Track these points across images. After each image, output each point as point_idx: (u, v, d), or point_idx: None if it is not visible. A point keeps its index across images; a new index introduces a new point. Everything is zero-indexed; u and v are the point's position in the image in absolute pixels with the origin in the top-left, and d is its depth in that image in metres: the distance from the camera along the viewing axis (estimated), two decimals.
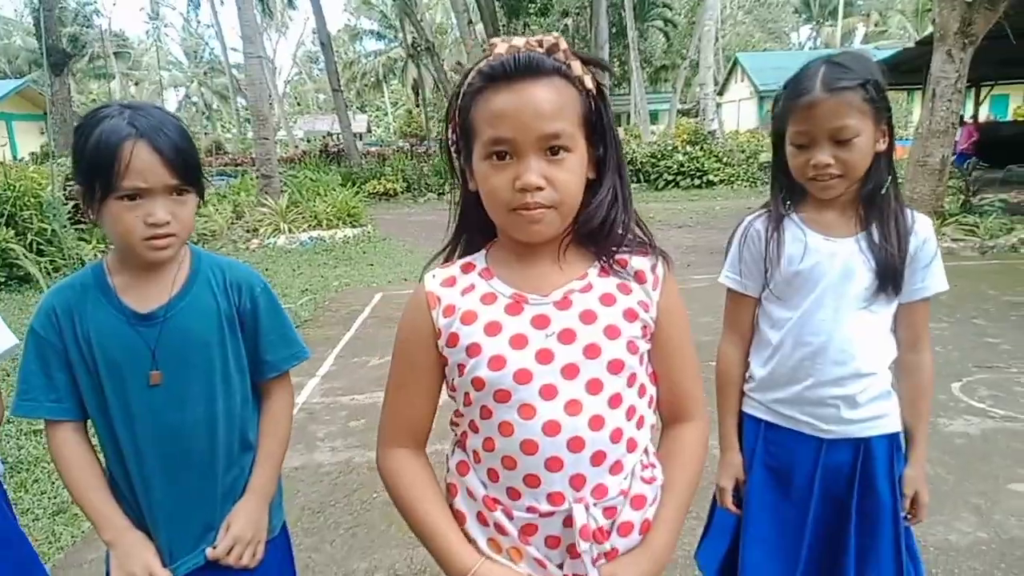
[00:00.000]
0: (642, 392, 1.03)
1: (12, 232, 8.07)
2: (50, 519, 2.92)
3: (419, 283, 1.06)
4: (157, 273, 1.29)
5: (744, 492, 1.54)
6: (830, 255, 1.41)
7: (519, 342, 0.97)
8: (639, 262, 1.04)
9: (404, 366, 1.07)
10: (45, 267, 8.15)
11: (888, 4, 46.01)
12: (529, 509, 0.98)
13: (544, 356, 0.97)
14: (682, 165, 17.61)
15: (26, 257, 7.95)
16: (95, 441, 1.32)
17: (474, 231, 1.09)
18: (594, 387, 0.97)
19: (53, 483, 3.25)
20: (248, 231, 10.94)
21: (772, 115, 1.46)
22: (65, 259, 8.60)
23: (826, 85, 1.31)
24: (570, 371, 0.96)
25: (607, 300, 1.00)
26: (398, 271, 8.36)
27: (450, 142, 1.03)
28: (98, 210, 1.18)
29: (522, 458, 0.97)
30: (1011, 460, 3.10)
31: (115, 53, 41.43)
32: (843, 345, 1.41)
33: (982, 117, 18.90)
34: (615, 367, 0.98)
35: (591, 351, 0.97)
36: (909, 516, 1.48)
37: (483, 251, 1.08)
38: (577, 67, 0.96)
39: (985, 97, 17.85)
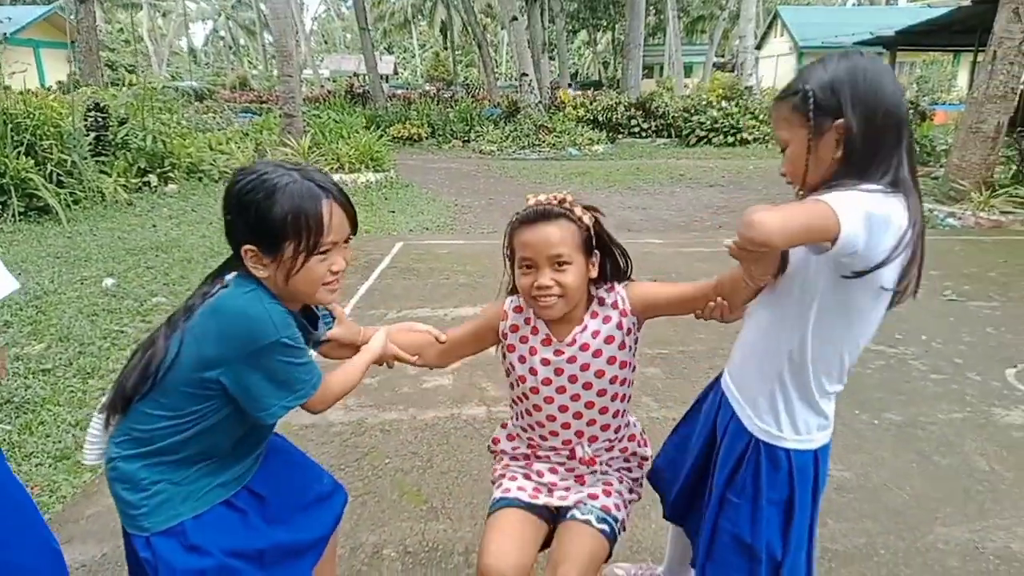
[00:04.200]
0: (621, 383, 1.62)
1: (32, 162, 7.89)
2: (52, 466, 2.81)
3: (503, 301, 1.67)
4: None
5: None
6: None
7: (545, 362, 1.60)
8: (610, 296, 1.59)
9: (476, 324, 1.70)
10: (65, 199, 8.01)
11: None
12: (551, 447, 1.67)
13: (558, 371, 1.60)
14: (716, 121, 16.97)
15: (45, 188, 7.80)
16: None
17: None
18: (587, 386, 1.60)
19: (58, 426, 3.13)
20: None
21: None
22: (85, 191, 8.45)
23: None
24: (572, 379, 1.59)
25: (595, 334, 1.58)
26: (420, 219, 8.12)
27: (505, 255, 1.59)
28: (287, 266, 1.29)
29: (547, 422, 1.64)
30: None
31: None
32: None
33: None
34: (599, 374, 1.59)
35: (584, 367, 1.58)
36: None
37: None
38: (578, 211, 1.51)
39: None
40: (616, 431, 1.67)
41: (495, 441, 1.79)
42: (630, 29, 20.13)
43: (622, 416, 1.68)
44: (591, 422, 1.62)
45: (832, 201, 1.13)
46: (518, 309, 1.63)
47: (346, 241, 1.36)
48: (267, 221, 1.25)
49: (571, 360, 1.57)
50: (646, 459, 1.75)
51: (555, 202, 1.50)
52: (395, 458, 2.85)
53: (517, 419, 1.72)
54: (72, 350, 4.03)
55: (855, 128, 1.24)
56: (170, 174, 10.10)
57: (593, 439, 1.64)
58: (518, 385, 1.63)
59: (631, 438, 1.72)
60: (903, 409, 3.28)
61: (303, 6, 37.63)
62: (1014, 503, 2.55)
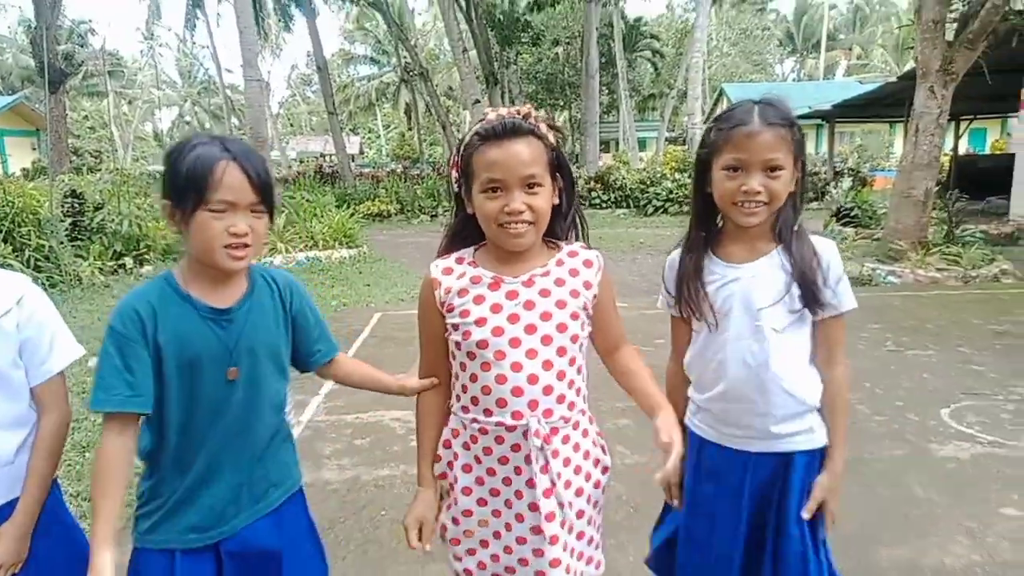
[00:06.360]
0: (580, 347, 1.46)
1: (10, 248, 8.09)
2: None
3: (428, 271, 1.49)
4: (227, 282, 1.44)
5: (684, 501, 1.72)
6: (733, 280, 1.55)
7: (496, 308, 1.41)
8: (587, 254, 1.49)
9: (423, 331, 1.53)
10: (42, 283, 8.14)
11: (869, 39, 47.12)
12: (497, 424, 1.41)
13: (513, 318, 1.40)
14: (671, 192, 17.87)
15: (23, 273, 7.94)
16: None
17: (468, 239, 1.52)
18: (546, 340, 1.40)
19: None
20: None
21: (700, 146, 1.59)
22: (62, 275, 8.61)
23: (763, 119, 1.45)
24: (530, 328, 1.40)
25: (559, 283, 1.43)
26: (394, 291, 8.42)
27: (454, 179, 1.47)
28: (187, 221, 1.34)
29: (495, 387, 1.40)
30: (1001, 484, 3.21)
31: (109, 72, 41.46)
32: (746, 358, 1.54)
33: (961, 150, 19.34)
34: (561, 328, 1.41)
35: (545, 316, 1.40)
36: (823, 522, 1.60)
37: (472, 248, 1.51)
38: (543, 128, 1.40)
39: (964, 131, 18.26)
40: (570, 408, 1.44)
41: (446, 444, 1.53)
42: (586, 109, 21.25)
43: (576, 392, 1.46)
44: (547, 389, 1.39)
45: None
46: (447, 271, 1.47)
47: (254, 211, 1.36)
48: (173, 175, 1.34)
49: (528, 306, 1.40)
50: (607, 469, 1.56)
51: (519, 116, 1.38)
52: (391, 510, 3.07)
53: (458, 399, 1.49)
54: None
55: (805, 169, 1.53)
56: (145, 256, 10.29)
57: (548, 413, 1.40)
58: (463, 343, 1.42)
59: (592, 440, 1.52)
60: (850, 448, 3.58)
61: (270, 92, 38.68)
62: (948, 525, 2.87)
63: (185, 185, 1.32)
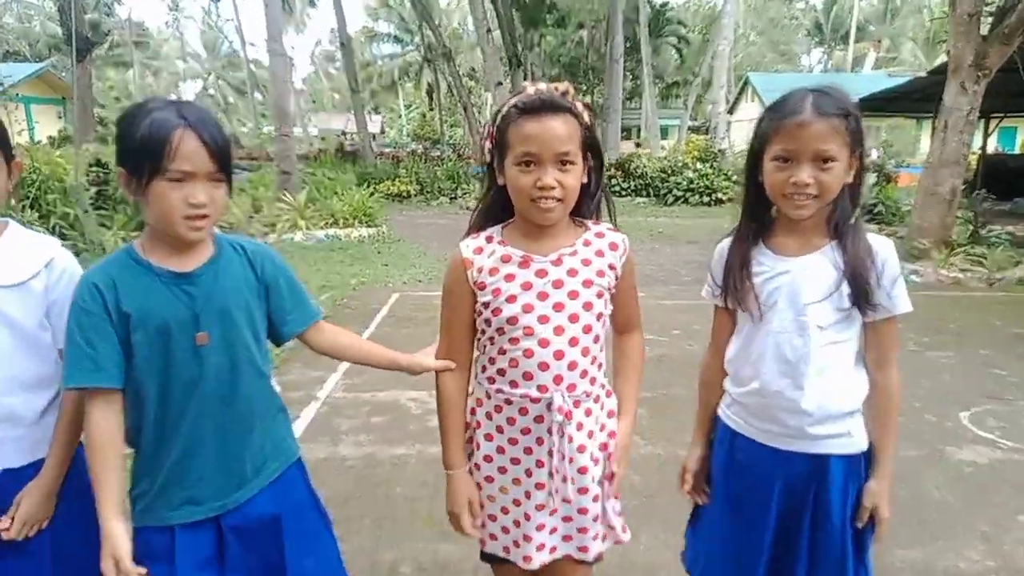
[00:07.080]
0: (603, 326, 1.51)
1: (36, 215, 8.17)
2: None
3: (457, 251, 1.51)
4: (188, 250, 1.42)
5: (711, 495, 1.69)
6: (782, 272, 1.51)
7: (527, 286, 1.45)
8: (613, 236, 1.53)
9: (452, 311, 1.54)
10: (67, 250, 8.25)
11: (899, 32, 46.18)
12: (523, 396, 1.47)
13: (542, 296, 1.45)
14: (692, 182, 17.69)
15: None
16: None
17: (497, 213, 1.54)
18: (573, 318, 1.45)
19: None
20: (266, 225, 11.06)
21: (752, 136, 1.53)
22: (87, 244, 8.70)
23: (816, 109, 1.40)
24: (558, 307, 1.45)
25: (586, 263, 1.47)
26: (412, 272, 8.45)
27: (487, 150, 1.47)
28: (144, 190, 1.30)
29: (523, 360, 1.46)
30: (1020, 491, 3.18)
31: (135, 42, 41.65)
32: (786, 353, 1.51)
33: (990, 149, 18.97)
34: (587, 306, 1.46)
35: (573, 295, 1.45)
36: (873, 530, 1.55)
37: (499, 226, 1.53)
38: (579, 106, 1.42)
39: (994, 129, 17.90)
40: (591, 383, 1.50)
41: (471, 411, 1.61)
42: (609, 95, 21.06)
43: (598, 367, 1.52)
44: (572, 364, 1.45)
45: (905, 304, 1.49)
46: (478, 250, 1.50)
47: (213, 179, 1.33)
48: (127, 141, 1.30)
49: (557, 284, 1.45)
50: (614, 433, 1.61)
51: (558, 92, 1.41)
52: (406, 487, 3.11)
53: (483, 371, 1.54)
54: None
55: (864, 160, 1.48)
56: None
57: (571, 387, 1.46)
58: (493, 319, 1.47)
59: (609, 411, 1.58)
60: None
61: (294, 67, 38.73)
62: (963, 529, 2.86)
63: (140, 153, 1.28)
